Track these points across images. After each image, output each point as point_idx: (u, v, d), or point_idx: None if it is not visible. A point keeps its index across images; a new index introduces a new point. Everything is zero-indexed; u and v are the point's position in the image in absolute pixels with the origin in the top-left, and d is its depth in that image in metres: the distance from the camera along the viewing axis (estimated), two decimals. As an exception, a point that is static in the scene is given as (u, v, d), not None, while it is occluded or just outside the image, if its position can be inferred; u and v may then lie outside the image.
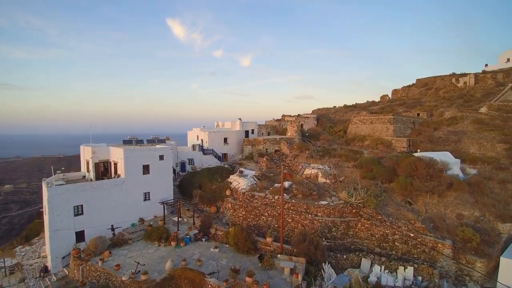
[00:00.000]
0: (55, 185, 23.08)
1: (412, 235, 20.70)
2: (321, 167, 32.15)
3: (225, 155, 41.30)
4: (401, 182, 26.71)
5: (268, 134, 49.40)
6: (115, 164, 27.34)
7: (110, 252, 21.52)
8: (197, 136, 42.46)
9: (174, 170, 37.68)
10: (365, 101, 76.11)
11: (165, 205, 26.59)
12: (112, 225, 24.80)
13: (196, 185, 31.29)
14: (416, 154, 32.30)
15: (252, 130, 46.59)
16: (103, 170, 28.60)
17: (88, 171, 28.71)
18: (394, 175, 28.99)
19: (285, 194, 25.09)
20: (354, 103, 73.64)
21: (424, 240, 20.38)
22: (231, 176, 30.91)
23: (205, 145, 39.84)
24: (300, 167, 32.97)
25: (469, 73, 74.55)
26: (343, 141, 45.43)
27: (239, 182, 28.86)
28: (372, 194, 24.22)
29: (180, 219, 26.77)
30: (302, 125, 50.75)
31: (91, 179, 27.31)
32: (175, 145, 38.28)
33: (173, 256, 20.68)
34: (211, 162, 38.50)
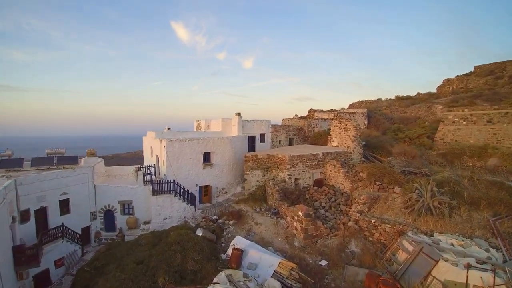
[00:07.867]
0: None
1: None
2: (470, 247, 10.51)
3: (206, 189, 19.52)
4: None
5: (290, 142, 27.67)
6: None
7: None
8: (151, 148, 20.94)
9: (87, 229, 16.27)
10: (416, 93, 54.82)
11: None
12: None
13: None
14: None
15: (262, 136, 24.86)
16: None
17: None
18: None
19: None
20: (405, 95, 52.86)
21: None
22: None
23: (162, 168, 18.27)
24: (409, 247, 11.21)
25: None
26: (435, 155, 23.82)
27: None
28: None
29: None
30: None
31: None
32: (91, 171, 16.91)
33: None
34: (170, 210, 16.83)
